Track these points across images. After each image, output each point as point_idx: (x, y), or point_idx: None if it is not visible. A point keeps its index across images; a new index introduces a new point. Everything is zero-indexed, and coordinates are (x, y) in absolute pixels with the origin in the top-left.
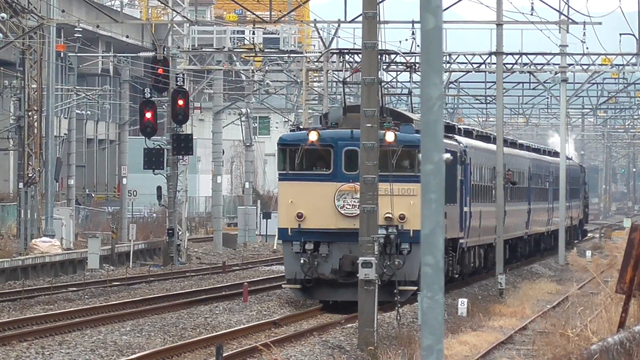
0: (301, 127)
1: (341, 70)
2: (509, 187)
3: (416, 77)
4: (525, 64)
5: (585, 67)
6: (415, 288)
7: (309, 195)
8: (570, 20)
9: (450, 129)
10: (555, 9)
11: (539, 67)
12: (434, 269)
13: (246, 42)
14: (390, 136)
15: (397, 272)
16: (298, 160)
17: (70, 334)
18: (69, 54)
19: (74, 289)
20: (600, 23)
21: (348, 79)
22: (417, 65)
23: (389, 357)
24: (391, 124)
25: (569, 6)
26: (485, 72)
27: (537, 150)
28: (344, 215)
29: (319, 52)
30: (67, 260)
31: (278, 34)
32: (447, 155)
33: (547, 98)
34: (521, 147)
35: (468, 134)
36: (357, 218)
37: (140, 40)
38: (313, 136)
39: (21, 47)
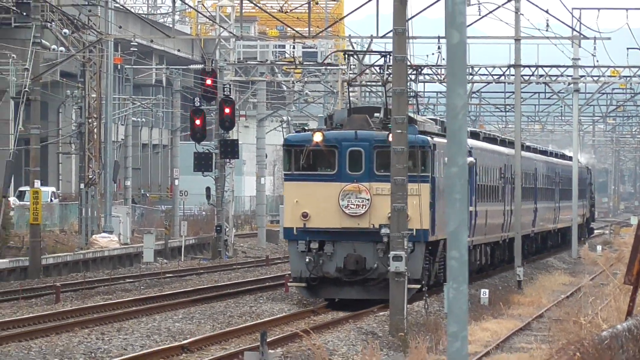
0: (306, 128)
1: (374, 82)
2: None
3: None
4: (541, 76)
5: (595, 78)
6: (418, 286)
7: (313, 195)
8: (582, 36)
9: None
10: (568, 26)
11: (553, 78)
12: (459, 263)
13: (287, 55)
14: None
15: None
16: (303, 160)
17: (127, 321)
18: (126, 66)
19: (131, 280)
20: (609, 38)
21: (353, 81)
22: (422, 67)
23: (418, 342)
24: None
25: (580, 23)
26: (504, 83)
27: (544, 153)
28: (348, 214)
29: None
30: (124, 254)
31: (316, 48)
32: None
33: (561, 107)
34: (528, 149)
35: (475, 135)
36: (361, 217)
37: (190, 54)
38: (317, 137)
39: (82, 60)
